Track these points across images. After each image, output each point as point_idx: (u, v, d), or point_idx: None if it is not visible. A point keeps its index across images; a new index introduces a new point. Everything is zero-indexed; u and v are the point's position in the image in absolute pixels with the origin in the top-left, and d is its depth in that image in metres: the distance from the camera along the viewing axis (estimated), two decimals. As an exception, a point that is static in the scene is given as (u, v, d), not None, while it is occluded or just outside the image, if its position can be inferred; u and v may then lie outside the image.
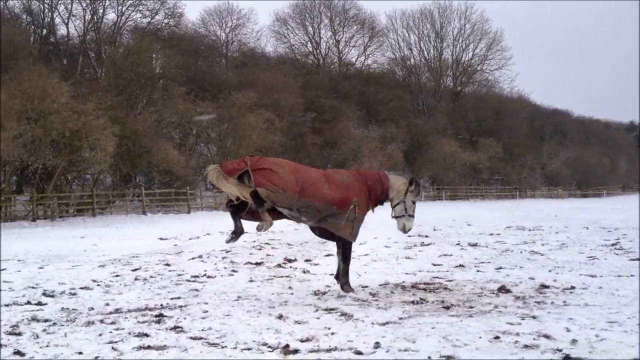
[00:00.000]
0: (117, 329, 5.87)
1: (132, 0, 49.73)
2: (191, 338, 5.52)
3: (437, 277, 9.09)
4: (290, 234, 15.37)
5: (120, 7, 49.82)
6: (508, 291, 7.77)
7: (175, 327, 5.92)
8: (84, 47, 48.71)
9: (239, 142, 39.12)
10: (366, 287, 8.21)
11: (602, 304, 6.90)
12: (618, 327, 5.78)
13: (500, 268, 9.98)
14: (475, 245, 13.45)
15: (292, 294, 7.93)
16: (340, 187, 7.59)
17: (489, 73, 72.69)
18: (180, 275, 9.50)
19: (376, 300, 7.34)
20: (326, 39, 68.05)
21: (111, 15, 50.53)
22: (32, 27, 48.89)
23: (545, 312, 6.45)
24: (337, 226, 7.58)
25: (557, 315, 6.28)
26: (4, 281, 8.80)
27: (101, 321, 6.23)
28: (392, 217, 8.03)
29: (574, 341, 5.25)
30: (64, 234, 19.71)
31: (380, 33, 69.33)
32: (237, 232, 7.58)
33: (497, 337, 5.40)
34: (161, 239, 16.11)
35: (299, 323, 6.10)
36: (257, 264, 10.61)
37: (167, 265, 10.59)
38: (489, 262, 10.71)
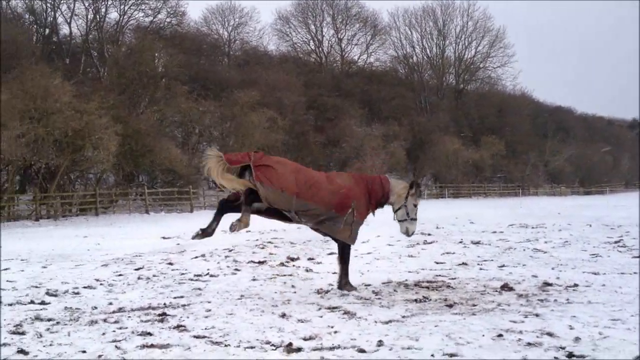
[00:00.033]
0: (120, 328, 5.88)
1: (134, -1, 49.80)
2: (194, 337, 5.52)
3: (440, 275, 9.09)
4: (293, 232, 15.36)
5: (122, 6, 49.81)
6: (511, 289, 7.77)
7: (178, 326, 5.92)
8: (86, 46, 48.71)
9: (242, 140, 39.14)
10: (369, 285, 8.21)
11: (605, 301, 6.89)
12: (621, 324, 5.77)
13: (503, 266, 9.97)
14: (478, 243, 13.43)
15: (295, 292, 7.93)
16: (341, 190, 7.61)
17: (491, 70, 72.76)
18: (183, 274, 9.50)
19: (379, 298, 7.34)
20: (328, 37, 68.13)
21: (113, 15, 50.61)
22: (35, 26, 48.91)
23: (548, 310, 6.44)
24: (335, 230, 7.64)
25: (560, 313, 6.27)
26: (8, 280, 8.82)
27: (104, 320, 6.24)
28: (395, 220, 8.11)
29: (577, 339, 5.24)
30: (67, 233, 19.74)
31: (383, 31, 69.32)
32: (207, 232, 7.47)
33: (500, 335, 5.40)
34: (164, 238, 16.12)
35: (302, 321, 6.10)
36: (260, 262, 10.60)
37: (170, 264, 10.59)
38: (492, 260, 10.70)
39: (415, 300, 7.15)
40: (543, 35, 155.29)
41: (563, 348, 4.99)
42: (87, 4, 48.75)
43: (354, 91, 57.62)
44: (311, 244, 13.19)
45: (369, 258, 11.13)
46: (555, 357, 4.78)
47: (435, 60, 70.36)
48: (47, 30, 49.39)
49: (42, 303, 7.25)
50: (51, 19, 49.03)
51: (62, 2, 48.19)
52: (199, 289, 8.19)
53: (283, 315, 6.36)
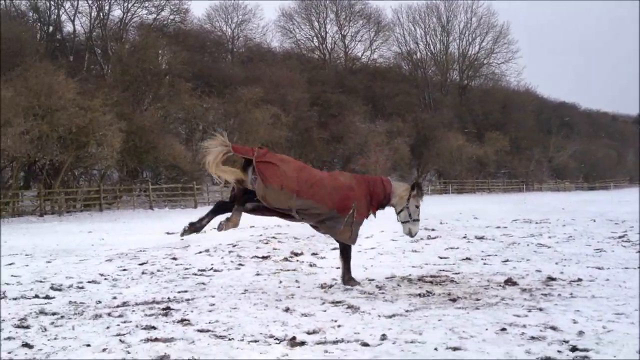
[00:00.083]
0: (124, 322, 5.90)
1: (137, -4, 49.86)
2: (198, 330, 5.54)
3: (443, 270, 9.09)
4: (297, 227, 15.33)
5: (126, 4, 49.97)
6: (515, 284, 7.77)
7: (182, 320, 5.94)
8: (90, 43, 48.80)
9: (246, 137, 39.13)
10: (373, 280, 8.22)
11: (609, 295, 6.89)
12: (625, 318, 5.76)
13: (507, 261, 9.96)
14: (481, 238, 13.42)
15: (298, 287, 7.94)
16: (342, 190, 7.63)
17: (495, 66, 72.61)
18: (187, 269, 9.52)
19: (383, 293, 7.35)
20: (332, 34, 68.09)
21: (117, 12, 50.76)
22: (39, 24, 49.02)
23: (552, 304, 6.43)
24: (335, 231, 7.68)
25: (563, 307, 6.26)
26: (12, 275, 8.86)
27: (109, 314, 6.26)
28: (398, 222, 8.18)
29: (580, 333, 5.24)
30: (71, 228, 19.80)
31: (386, 27, 69.25)
32: (195, 227, 7.46)
33: (503, 329, 5.40)
34: (168, 233, 16.12)
35: (306, 316, 6.11)
36: (264, 257, 10.62)
37: (174, 259, 10.62)
38: (496, 255, 10.69)
39: (419, 295, 7.15)
40: (547, 29, 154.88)
41: (567, 342, 4.98)
42: (90, 2, 48.94)
43: (358, 87, 57.56)
44: (315, 239, 13.19)
45: (372, 253, 11.14)
46: (558, 351, 4.77)
47: (439, 57, 70.25)
48: (51, 28, 49.52)
49: (47, 297, 7.28)
50: (55, 16, 49.23)
51: (65, 0, 48.33)
52: (203, 283, 8.21)
53: (287, 310, 6.37)
